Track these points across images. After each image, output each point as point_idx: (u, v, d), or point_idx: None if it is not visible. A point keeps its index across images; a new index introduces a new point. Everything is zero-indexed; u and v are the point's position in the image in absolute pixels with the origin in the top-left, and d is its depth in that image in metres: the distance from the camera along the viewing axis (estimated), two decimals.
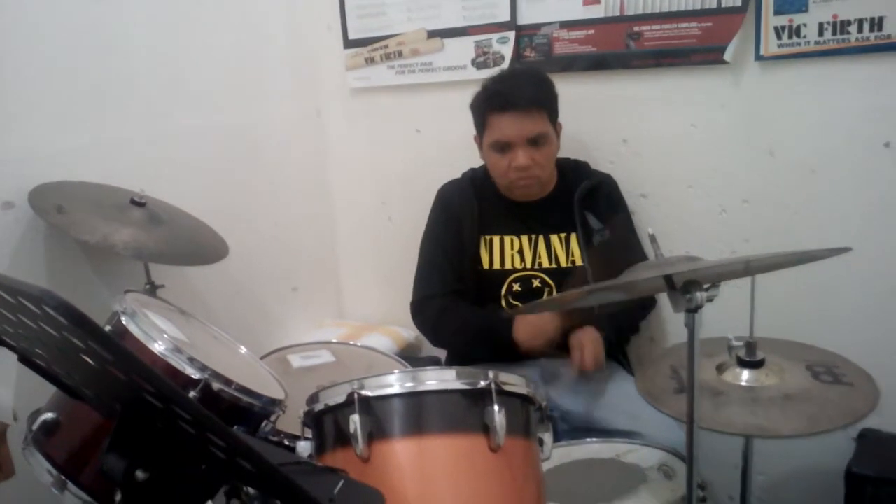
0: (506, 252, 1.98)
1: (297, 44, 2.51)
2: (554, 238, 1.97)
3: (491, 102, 1.87)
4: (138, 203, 1.77)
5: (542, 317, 1.83)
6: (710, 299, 1.11)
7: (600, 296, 1.45)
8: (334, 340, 2.13)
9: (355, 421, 1.11)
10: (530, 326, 1.83)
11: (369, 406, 1.13)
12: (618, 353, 2.01)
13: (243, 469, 0.90)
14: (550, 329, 1.82)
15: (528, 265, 1.97)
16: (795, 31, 1.81)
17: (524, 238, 1.97)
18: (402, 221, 2.52)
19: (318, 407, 1.20)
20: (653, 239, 1.25)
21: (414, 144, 2.45)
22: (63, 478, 1.29)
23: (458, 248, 1.99)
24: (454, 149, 2.14)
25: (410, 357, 2.38)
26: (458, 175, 2.09)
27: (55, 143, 1.79)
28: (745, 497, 1.63)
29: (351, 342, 2.15)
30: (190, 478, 1.09)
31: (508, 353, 1.85)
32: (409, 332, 2.46)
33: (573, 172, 2.01)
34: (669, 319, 2.12)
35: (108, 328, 1.39)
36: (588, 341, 1.81)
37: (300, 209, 2.58)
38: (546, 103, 1.88)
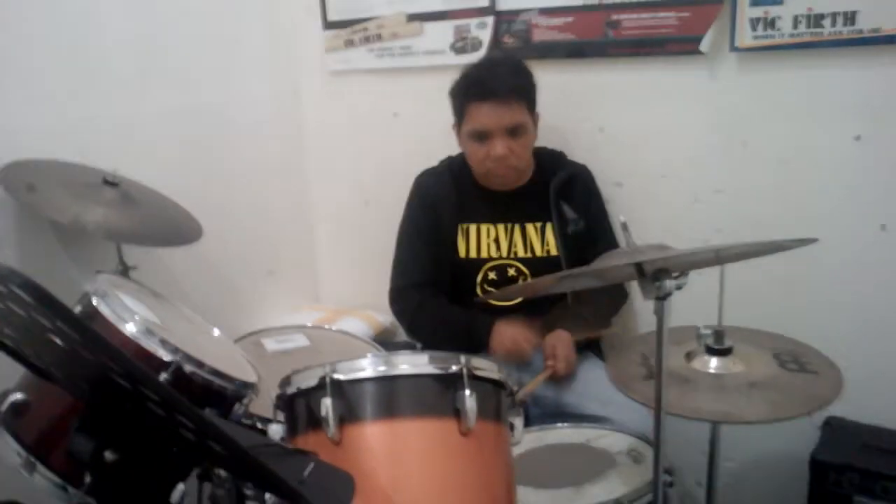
0: (482, 240, 1.99)
1: (275, 24, 2.49)
2: (529, 227, 1.98)
3: (470, 91, 1.87)
4: (111, 183, 1.75)
5: (520, 331, 1.84)
6: (679, 287, 1.12)
7: (572, 282, 1.46)
8: (309, 324, 2.13)
9: (327, 404, 1.11)
10: (506, 340, 1.84)
11: (341, 389, 1.14)
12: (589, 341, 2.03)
13: (213, 451, 0.90)
14: (526, 346, 1.83)
15: (504, 254, 1.98)
16: (770, 24, 1.82)
17: (500, 227, 1.98)
18: (378, 205, 2.51)
19: (291, 390, 1.20)
20: (625, 227, 1.27)
21: (392, 128, 2.45)
22: (32, 459, 1.28)
23: (436, 236, 2.00)
24: (432, 133, 2.14)
25: (386, 342, 2.39)
26: (435, 159, 2.09)
27: (27, 121, 1.77)
28: (713, 482, 1.66)
29: (326, 326, 2.15)
30: (160, 460, 1.09)
31: (482, 348, 1.87)
32: (384, 316, 2.46)
33: (549, 162, 2.02)
34: (640, 308, 2.14)
35: (78, 309, 1.37)
36: (560, 347, 1.83)
37: (276, 191, 2.57)
38: (525, 93, 1.88)
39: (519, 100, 1.85)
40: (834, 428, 1.85)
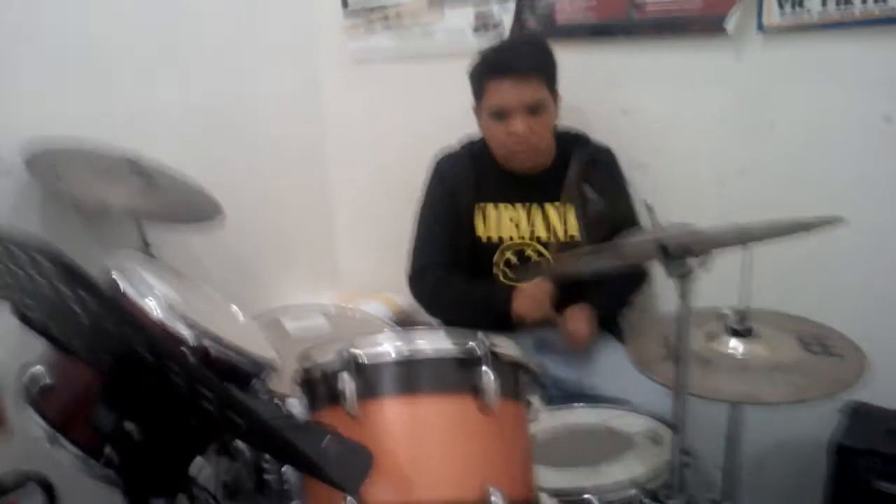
0: (502, 221, 1.98)
1: (295, 11, 2.49)
2: (550, 208, 1.96)
3: (489, 68, 1.86)
4: (135, 166, 1.76)
5: (540, 287, 1.82)
6: (702, 265, 1.11)
7: (595, 261, 1.45)
8: (328, 304, 2.13)
9: (345, 379, 1.11)
10: (528, 298, 1.83)
11: (360, 365, 1.13)
12: (610, 323, 2.01)
13: (234, 423, 0.90)
14: (547, 300, 1.82)
15: (525, 235, 1.97)
16: (798, 2, 1.78)
17: (520, 207, 1.97)
18: (399, 189, 2.50)
19: (310, 365, 1.20)
20: (649, 208, 1.25)
21: (412, 113, 2.44)
22: (55, 432, 1.30)
23: (454, 218, 1.99)
24: (452, 117, 2.12)
25: (406, 324, 2.39)
26: (455, 144, 2.08)
27: (53, 108, 1.78)
28: (732, 465, 1.64)
29: (344, 306, 2.16)
30: (180, 432, 1.10)
31: (503, 324, 1.85)
32: (404, 299, 2.46)
33: (571, 144, 2.00)
34: (660, 290, 2.12)
35: None
36: (580, 319, 1.82)
37: (297, 176, 2.58)
38: (545, 70, 1.86)
39: (539, 76, 1.83)
40: (857, 413, 1.83)
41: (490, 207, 1.98)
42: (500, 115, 1.85)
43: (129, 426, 0.99)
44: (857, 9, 1.73)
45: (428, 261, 2.02)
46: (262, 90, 2.39)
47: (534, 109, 1.83)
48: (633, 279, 2.02)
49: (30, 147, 1.70)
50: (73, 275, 0.73)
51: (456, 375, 1.14)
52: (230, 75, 2.27)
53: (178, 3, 2.08)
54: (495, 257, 1.98)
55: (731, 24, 1.87)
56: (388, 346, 1.15)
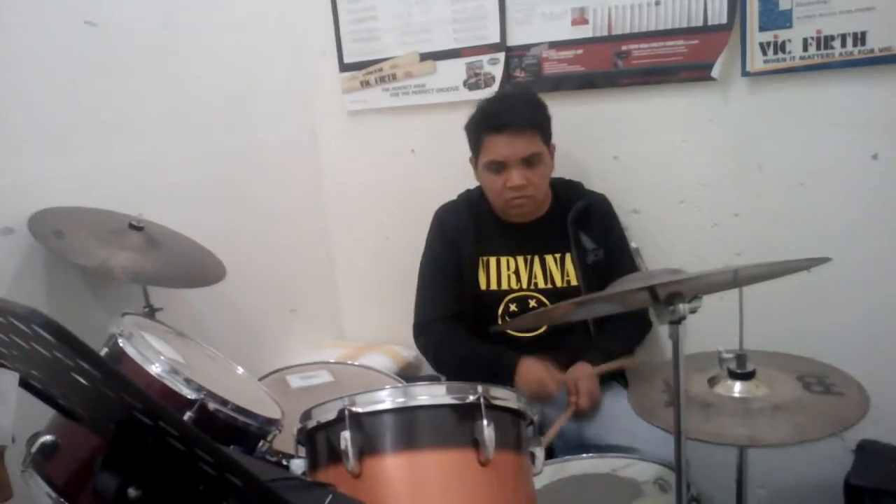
0: (502, 273, 2.00)
1: (293, 68, 2.55)
2: (549, 258, 1.99)
3: (486, 123, 1.90)
4: (136, 227, 1.80)
5: (545, 371, 1.82)
6: (693, 311, 1.12)
7: (588, 309, 1.46)
8: (332, 360, 2.14)
9: (346, 437, 1.12)
10: (531, 379, 1.82)
11: (360, 422, 1.15)
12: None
13: (233, 485, 0.91)
14: (551, 384, 1.81)
15: (524, 286, 1.98)
16: (780, 47, 1.83)
17: (520, 259, 1.99)
18: (399, 240, 2.54)
19: (311, 424, 1.21)
20: (637, 253, 1.27)
21: (409, 164, 2.48)
22: (62, 500, 1.30)
23: (457, 269, 2.01)
24: (448, 167, 2.17)
25: (410, 376, 2.39)
26: (453, 193, 2.12)
27: (54, 169, 1.82)
28: None
29: (349, 362, 2.17)
30: (184, 497, 1.10)
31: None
32: (408, 351, 2.47)
33: (567, 193, 2.03)
34: (664, 335, 2.12)
35: (105, 351, 1.41)
36: (582, 382, 1.81)
37: (298, 230, 2.61)
38: (540, 124, 1.90)
39: (533, 130, 1.87)
40: (868, 451, 1.81)
41: (492, 260, 2.00)
42: (498, 168, 1.89)
43: (133, 492, 0.99)
44: (838, 51, 1.77)
45: (432, 315, 2.03)
46: (263, 146, 2.43)
47: (530, 162, 1.87)
48: (636, 329, 2.02)
49: (33, 207, 1.73)
50: (72, 345, 0.75)
51: (455, 429, 1.16)
52: (229, 132, 2.31)
53: (178, 63, 2.13)
54: (498, 308, 1.99)
55: (716, 70, 1.91)
56: (388, 403, 1.16)
